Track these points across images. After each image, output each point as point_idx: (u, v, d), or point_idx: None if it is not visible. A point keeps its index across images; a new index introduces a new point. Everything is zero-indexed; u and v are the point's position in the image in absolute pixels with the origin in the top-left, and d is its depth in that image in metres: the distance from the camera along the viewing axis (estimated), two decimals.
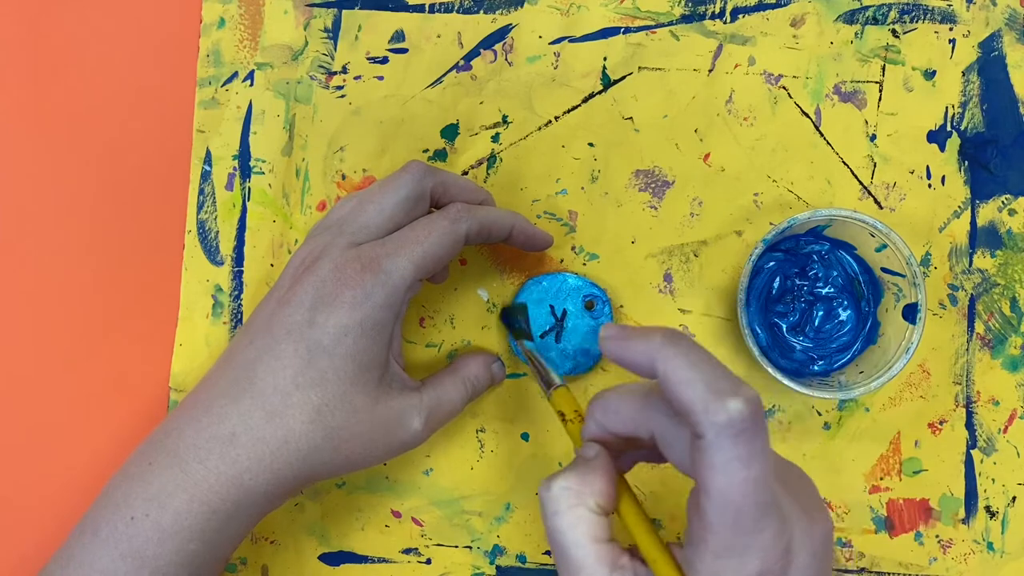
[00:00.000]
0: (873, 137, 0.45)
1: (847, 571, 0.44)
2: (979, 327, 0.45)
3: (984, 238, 0.45)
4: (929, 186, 0.45)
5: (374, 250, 0.37)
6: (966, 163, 0.45)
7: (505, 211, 0.41)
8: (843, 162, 0.45)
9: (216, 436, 0.35)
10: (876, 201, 0.45)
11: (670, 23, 0.45)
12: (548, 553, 0.45)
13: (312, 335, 0.35)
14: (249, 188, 0.45)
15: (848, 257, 0.44)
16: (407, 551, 0.45)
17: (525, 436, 0.45)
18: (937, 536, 0.44)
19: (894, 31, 0.45)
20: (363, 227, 0.38)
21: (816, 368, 0.44)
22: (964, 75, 0.45)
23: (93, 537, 0.35)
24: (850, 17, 0.45)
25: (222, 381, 0.36)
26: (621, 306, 0.45)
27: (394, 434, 0.37)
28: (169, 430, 0.36)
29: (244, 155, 0.46)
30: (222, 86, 0.46)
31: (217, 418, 0.35)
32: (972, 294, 0.45)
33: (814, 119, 0.45)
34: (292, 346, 0.35)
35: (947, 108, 0.45)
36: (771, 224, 0.45)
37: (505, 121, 0.45)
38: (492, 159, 0.45)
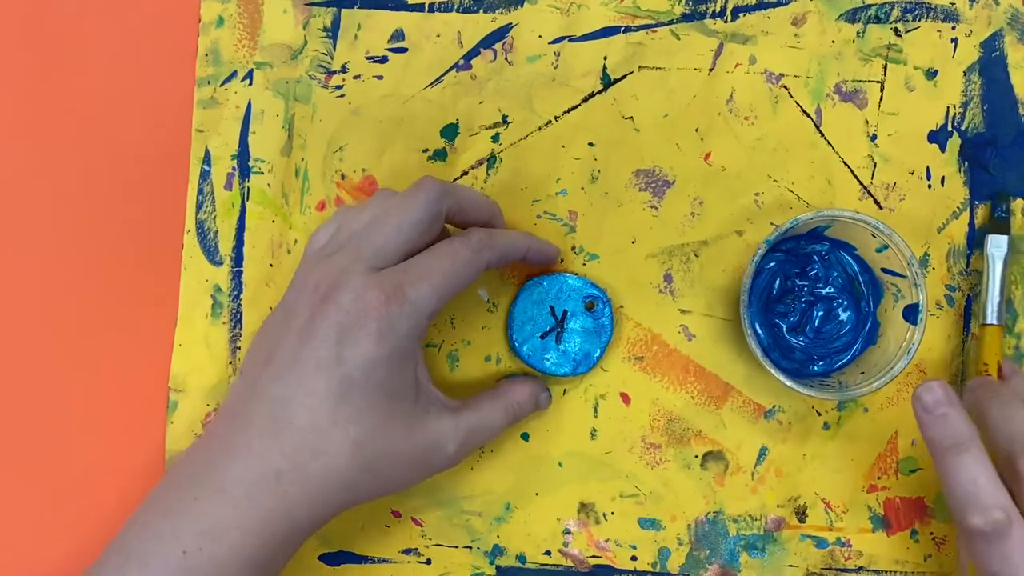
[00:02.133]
0: (874, 137, 0.45)
1: (845, 570, 0.45)
2: (975, 328, 0.45)
3: (982, 239, 0.45)
4: (929, 187, 0.45)
5: (396, 277, 0.36)
6: (966, 164, 0.45)
7: (519, 235, 0.41)
8: (843, 162, 0.45)
9: (263, 475, 0.35)
10: (876, 201, 0.45)
11: (671, 22, 0.45)
12: (548, 553, 0.45)
13: (342, 371, 0.35)
14: (248, 188, 0.45)
15: (848, 257, 0.44)
16: (407, 551, 0.45)
17: (525, 436, 0.45)
18: (932, 534, 0.45)
19: (896, 30, 0.45)
20: (380, 250, 0.37)
21: (816, 368, 0.44)
22: (965, 75, 0.45)
23: (141, 569, 0.35)
24: (852, 16, 0.45)
25: (257, 418, 0.36)
26: (621, 306, 0.45)
27: (429, 459, 0.38)
28: (209, 464, 0.36)
29: (243, 155, 0.45)
30: (221, 85, 0.45)
31: (260, 456, 0.35)
32: (969, 295, 0.45)
33: (815, 119, 0.45)
34: (324, 383, 0.35)
35: (948, 108, 0.45)
36: (772, 224, 0.45)
37: (505, 121, 0.45)
38: (492, 159, 0.45)
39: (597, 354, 0.43)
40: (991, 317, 0.44)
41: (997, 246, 0.44)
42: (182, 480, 0.36)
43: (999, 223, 0.44)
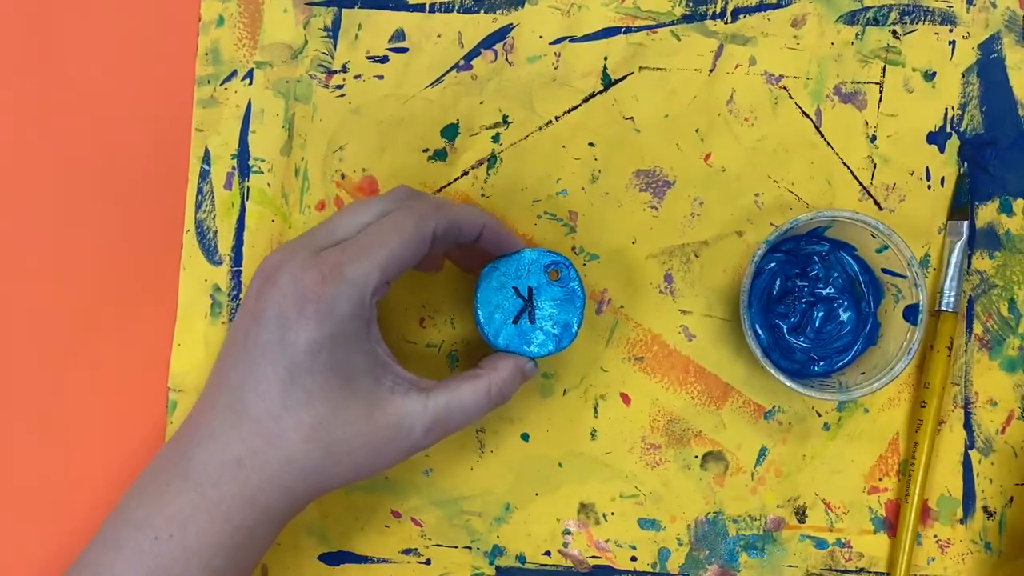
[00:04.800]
0: (873, 138, 0.45)
1: (846, 571, 0.45)
2: (977, 328, 0.45)
3: (982, 240, 0.45)
4: (928, 187, 0.45)
5: (334, 256, 0.35)
6: (965, 164, 0.45)
7: (476, 210, 0.39)
8: (843, 163, 0.45)
9: (224, 462, 0.35)
10: (876, 202, 0.45)
11: (671, 23, 0.45)
12: (548, 554, 0.45)
13: (287, 354, 0.34)
14: (248, 187, 0.45)
15: (848, 258, 0.44)
16: (407, 551, 0.45)
17: (525, 436, 0.45)
18: (935, 536, 0.45)
19: (894, 32, 0.45)
20: (329, 233, 0.36)
21: (817, 369, 0.44)
22: (964, 76, 0.45)
23: (116, 554, 0.35)
24: (851, 18, 0.45)
25: (218, 405, 0.36)
26: (622, 306, 0.45)
27: (397, 441, 0.37)
28: (180, 453, 0.36)
29: (243, 154, 0.45)
30: (221, 85, 0.45)
31: (222, 444, 0.35)
32: (970, 295, 0.45)
33: (815, 120, 0.45)
34: (272, 368, 0.35)
35: (947, 109, 0.45)
36: (772, 224, 0.45)
37: (505, 121, 0.45)
38: (492, 159, 0.45)
39: (576, 322, 0.41)
40: (946, 304, 0.44)
41: (955, 232, 0.44)
42: (156, 468, 0.37)
43: (960, 208, 0.44)
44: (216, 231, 0.45)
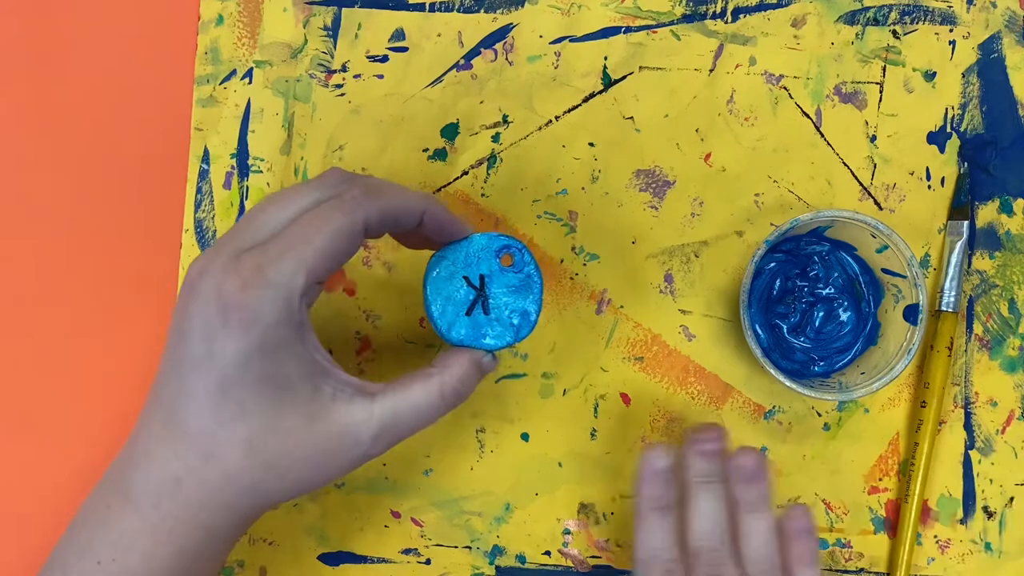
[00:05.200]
0: (873, 138, 0.45)
1: (846, 571, 0.45)
2: (977, 328, 0.45)
3: (983, 239, 0.45)
4: (929, 187, 0.45)
5: (254, 259, 0.32)
6: (965, 164, 0.45)
7: (415, 194, 0.35)
8: (843, 163, 0.45)
9: (163, 481, 0.33)
10: (876, 202, 0.45)
11: (671, 23, 0.45)
12: (547, 554, 0.44)
13: (216, 367, 0.32)
14: (247, 187, 0.45)
15: (849, 258, 0.44)
16: (407, 551, 0.44)
17: (525, 436, 0.45)
18: (935, 536, 0.45)
19: (895, 32, 0.45)
20: (253, 230, 0.33)
21: (817, 369, 0.44)
22: (964, 76, 0.45)
23: None
24: (851, 18, 0.45)
25: (154, 422, 0.34)
26: (622, 306, 0.45)
27: (343, 451, 0.34)
28: (120, 473, 0.35)
29: (242, 153, 0.45)
30: (220, 84, 0.45)
31: (159, 464, 0.33)
32: (971, 295, 0.45)
33: (815, 120, 0.45)
34: (201, 382, 0.32)
35: (947, 109, 0.45)
36: (772, 224, 0.45)
37: (505, 120, 0.45)
38: (492, 159, 0.45)
39: (534, 309, 0.38)
40: (946, 304, 0.44)
41: (956, 232, 0.44)
42: (100, 488, 0.35)
43: (960, 208, 0.44)
44: (215, 231, 0.45)
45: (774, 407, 0.45)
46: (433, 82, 0.45)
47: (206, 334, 0.32)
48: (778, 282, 0.44)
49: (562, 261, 0.45)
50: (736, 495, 0.39)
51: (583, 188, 0.45)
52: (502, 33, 0.45)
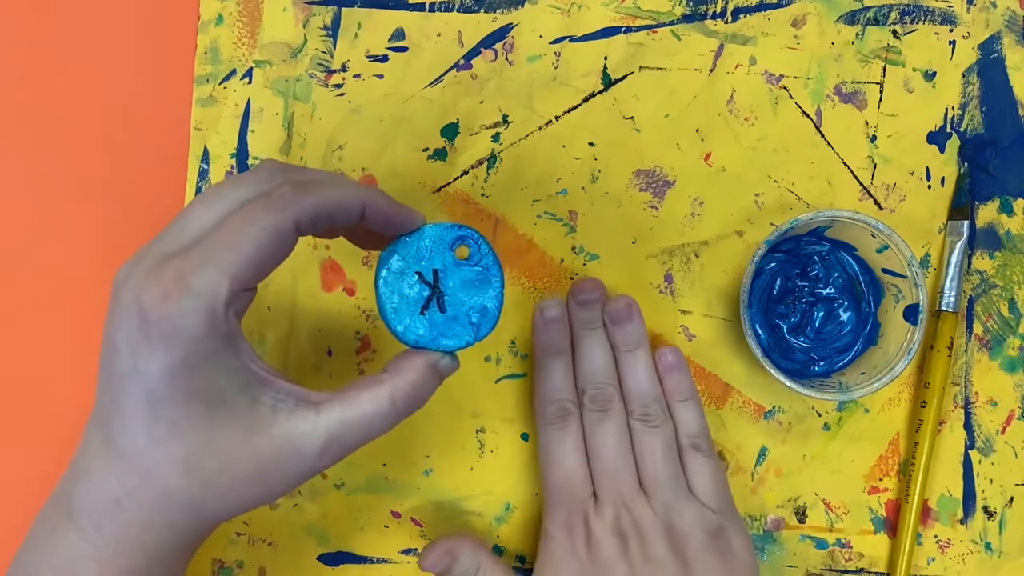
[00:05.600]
0: (873, 138, 0.45)
1: (846, 571, 0.45)
2: (978, 328, 0.45)
3: (983, 239, 0.45)
4: (929, 187, 0.45)
5: (175, 267, 0.30)
6: (965, 164, 0.45)
7: (352, 187, 0.33)
8: (843, 163, 0.45)
9: (104, 501, 0.32)
10: (876, 202, 0.45)
11: (671, 23, 0.45)
12: None
13: (143, 384, 0.30)
14: None
15: (849, 258, 0.44)
16: (407, 551, 0.44)
17: (525, 436, 0.45)
18: (936, 536, 0.45)
19: (895, 32, 0.45)
20: (178, 232, 0.31)
21: (817, 369, 0.44)
22: (964, 76, 0.45)
23: None
24: (851, 18, 0.45)
25: (93, 440, 0.32)
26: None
27: (287, 465, 0.32)
28: (64, 492, 0.33)
29: (242, 153, 0.45)
30: (220, 84, 0.45)
31: (98, 483, 0.32)
32: (971, 295, 0.45)
33: (815, 120, 0.45)
34: (131, 400, 0.30)
35: (947, 109, 0.45)
36: (772, 224, 0.45)
37: (505, 120, 0.45)
38: (492, 159, 0.45)
39: (494, 304, 0.35)
40: (947, 304, 0.44)
41: (956, 232, 0.44)
42: (48, 506, 0.34)
43: (960, 208, 0.44)
44: None
45: (774, 407, 0.45)
46: (433, 82, 0.45)
47: (131, 348, 0.30)
48: (778, 282, 0.44)
49: (562, 261, 0.45)
50: (614, 338, 0.43)
51: (583, 188, 0.45)
52: (502, 33, 0.45)
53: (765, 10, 0.45)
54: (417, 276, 0.35)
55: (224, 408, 0.31)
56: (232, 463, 0.31)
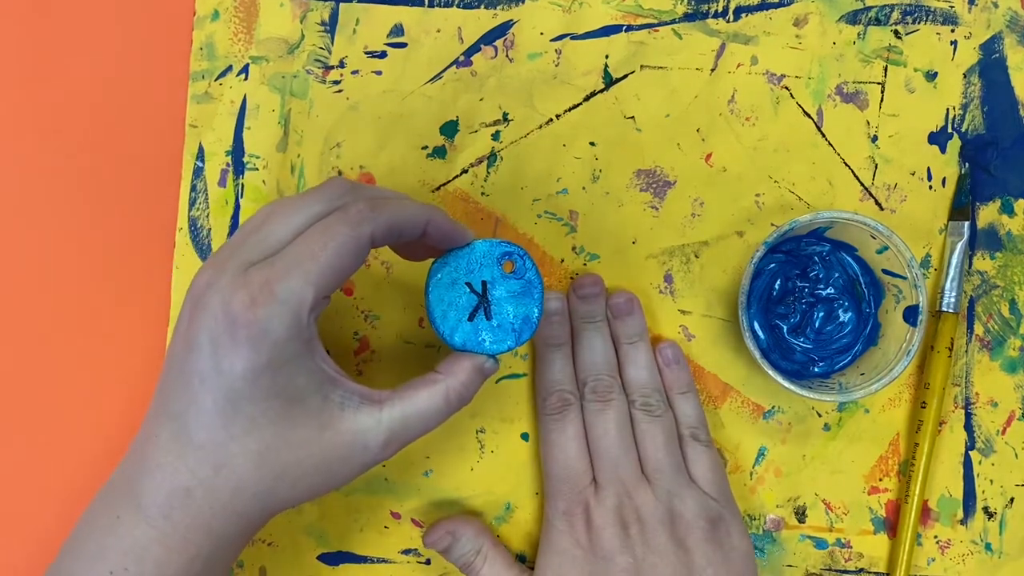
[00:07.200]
0: (875, 138, 0.45)
1: (846, 571, 0.45)
2: (978, 329, 0.45)
3: (984, 240, 0.45)
4: (930, 188, 0.45)
5: (263, 273, 0.32)
6: (966, 165, 0.45)
7: (417, 205, 0.36)
8: (844, 163, 0.45)
9: (174, 491, 0.33)
10: (877, 202, 0.45)
11: (673, 21, 0.45)
12: None
13: (225, 383, 0.32)
14: (243, 184, 0.45)
15: (849, 259, 0.44)
16: (406, 551, 0.44)
17: (525, 436, 0.45)
18: (936, 537, 0.45)
19: (896, 32, 0.45)
20: (260, 242, 0.34)
21: (817, 370, 0.44)
22: (965, 77, 0.45)
23: None
24: (853, 17, 0.45)
25: (163, 433, 0.34)
26: None
27: (352, 457, 0.35)
28: (128, 485, 0.35)
29: (238, 151, 0.45)
30: (216, 80, 0.45)
31: (169, 475, 0.33)
32: (971, 296, 0.45)
33: (816, 119, 0.45)
34: (211, 397, 0.33)
35: (948, 110, 0.45)
36: (772, 225, 0.45)
37: (506, 118, 0.45)
38: (492, 157, 0.45)
39: (536, 314, 0.39)
40: (947, 304, 0.44)
41: (956, 232, 0.44)
42: (106, 497, 0.35)
43: (961, 209, 0.44)
44: (210, 229, 0.44)
45: (774, 407, 0.45)
46: (432, 79, 0.45)
47: (214, 349, 0.32)
48: (778, 283, 0.44)
49: (562, 261, 0.45)
50: (615, 330, 0.44)
51: (583, 187, 0.45)
52: (502, 30, 0.45)
53: (767, 9, 0.45)
54: (467, 286, 0.38)
55: (300, 406, 0.34)
56: (304, 456, 0.34)
